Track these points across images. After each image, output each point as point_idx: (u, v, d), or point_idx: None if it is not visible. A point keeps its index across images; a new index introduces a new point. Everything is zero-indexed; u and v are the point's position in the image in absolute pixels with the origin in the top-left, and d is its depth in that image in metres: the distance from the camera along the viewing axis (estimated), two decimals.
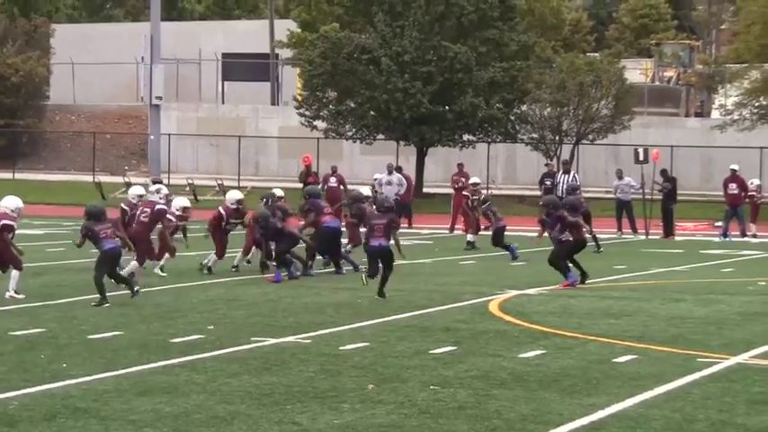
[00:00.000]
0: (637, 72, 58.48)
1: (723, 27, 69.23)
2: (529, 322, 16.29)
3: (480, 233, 28.55)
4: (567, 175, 35.27)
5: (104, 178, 47.63)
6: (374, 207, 21.47)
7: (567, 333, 15.33)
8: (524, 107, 47.58)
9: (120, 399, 11.09)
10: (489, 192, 38.10)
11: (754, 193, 35.40)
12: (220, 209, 22.86)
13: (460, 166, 37.69)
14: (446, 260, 26.35)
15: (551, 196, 25.90)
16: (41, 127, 61.71)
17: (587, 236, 22.98)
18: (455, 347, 14.09)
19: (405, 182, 36.88)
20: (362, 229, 22.16)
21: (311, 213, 22.98)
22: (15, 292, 18.29)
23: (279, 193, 23.35)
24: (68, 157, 59.92)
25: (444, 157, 49.45)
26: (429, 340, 14.59)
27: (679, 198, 35.90)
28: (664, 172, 35.84)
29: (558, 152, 45.69)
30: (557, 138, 46.62)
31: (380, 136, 47.98)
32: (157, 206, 21.09)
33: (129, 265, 20.04)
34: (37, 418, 10.31)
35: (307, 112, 48.33)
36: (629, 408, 10.97)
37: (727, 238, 34.09)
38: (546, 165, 40.19)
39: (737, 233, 34.75)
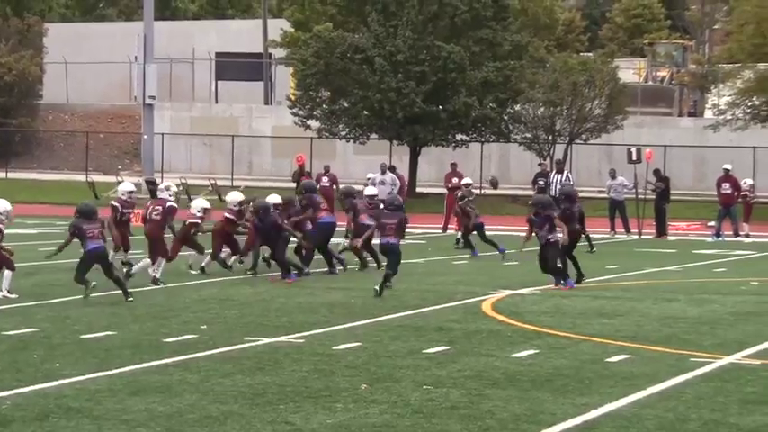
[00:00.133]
0: (630, 72, 58.59)
1: (716, 27, 69.21)
2: (522, 322, 16.29)
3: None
4: (560, 175, 35.33)
5: (97, 178, 47.10)
6: (382, 206, 21.63)
7: (560, 333, 15.33)
8: (518, 107, 47.54)
9: (113, 398, 11.08)
10: (482, 191, 38.09)
11: (746, 193, 35.38)
12: (226, 214, 22.67)
13: (454, 165, 37.66)
14: (439, 260, 26.35)
15: (541, 195, 25.91)
16: (34, 126, 61.57)
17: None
18: (448, 347, 14.10)
19: (398, 181, 36.76)
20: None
21: (309, 209, 22.98)
22: (8, 292, 18.29)
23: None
24: (61, 157, 59.81)
25: (438, 157, 49.43)
26: (422, 340, 14.59)
27: (672, 198, 35.86)
28: (657, 172, 35.89)
29: (552, 152, 45.68)
30: (550, 137, 46.60)
31: (374, 135, 47.94)
32: (168, 203, 21.07)
33: (142, 261, 20.40)
34: (30, 418, 10.30)
35: (300, 112, 48.27)
36: (622, 407, 10.98)
37: (720, 238, 34.10)
38: (539, 164, 40.09)
39: (730, 233, 34.77)
